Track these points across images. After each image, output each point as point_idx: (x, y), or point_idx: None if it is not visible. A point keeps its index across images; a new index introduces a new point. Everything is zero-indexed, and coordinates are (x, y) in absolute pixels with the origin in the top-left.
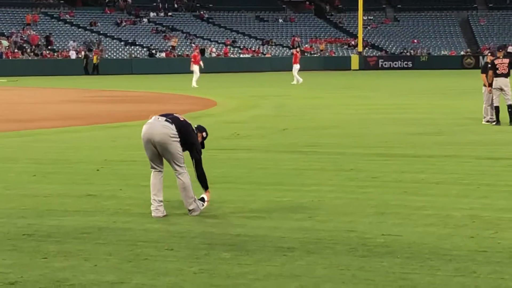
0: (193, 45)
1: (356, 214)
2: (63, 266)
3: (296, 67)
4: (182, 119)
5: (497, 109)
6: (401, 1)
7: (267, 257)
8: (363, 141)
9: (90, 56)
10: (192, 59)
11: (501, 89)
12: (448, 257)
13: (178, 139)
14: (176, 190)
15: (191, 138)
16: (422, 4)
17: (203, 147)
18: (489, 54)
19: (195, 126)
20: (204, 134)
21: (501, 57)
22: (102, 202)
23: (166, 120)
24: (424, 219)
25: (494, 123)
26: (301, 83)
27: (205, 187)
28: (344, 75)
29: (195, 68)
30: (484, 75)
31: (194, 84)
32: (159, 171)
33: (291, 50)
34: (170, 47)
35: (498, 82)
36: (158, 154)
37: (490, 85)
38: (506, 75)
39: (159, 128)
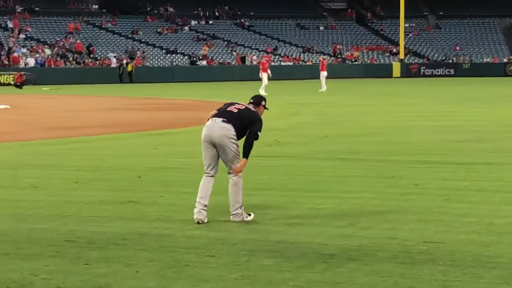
0: (234, 53)
1: (398, 221)
2: (104, 272)
3: (324, 74)
4: (236, 110)
5: None
6: (443, 8)
7: (308, 264)
8: (404, 148)
9: (124, 64)
10: (261, 67)
11: None
12: (491, 264)
13: (236, 141)
14: (220, 197)
15: (252, 118)
16: (464, 11)
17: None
18: None
19: (251, 100)
20: (263, 102)
21: None
22: (143, 209)
23: (223, 121)
24: (466, 226)
25: None
26: (325, 91)
27: (245, 155)
28: (385, 83)
29: (264, 75)
30: None
31: (262, 91)
32: (211, 176)
33: (319, 58)
34: (201, 56)
35: None
36: (217, 156)
37: None
38: None
39: (218, 130)
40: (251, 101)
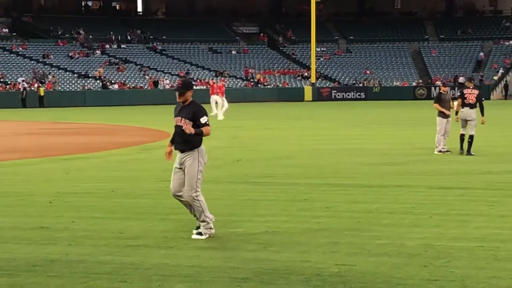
0: (146, 77)
1: (310, 244)
2: None
3: (214, 98)
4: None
5: (462, 137)
6: (353, 32)
7: None
8: (316, 172)
9: (28, 89)
10: (218, 90)
11: (466, 120)
12: (401, 286)
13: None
14: (134, 221)
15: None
16: (374, 35)
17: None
18: (442, 85)
19: (181, 91)
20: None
21: (471, 87)
22: (55, 235)
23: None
24: (377, 248)
25: (447, 152)
26: (213, 115)
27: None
28: (297, 106)
29: (222, 99)
30: (437, 104)
31: (220, 116)
32: None
33: (210, 81)
34: (97, 77)
35: (464, 112)
36: None
37: (457, 113)
38: (472, 106)
39: None
40: (182, 91)
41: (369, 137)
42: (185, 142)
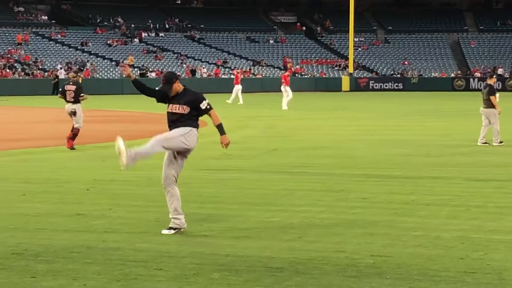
0: (183, 65)
1: (346, 235)
2: (51, 285)
3: (238, 87)
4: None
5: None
6: (392, 23)
7: (256, 277)
8: (353, 162)
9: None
10: (282, 80)
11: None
12: (437, 278)
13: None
14: (164, 210)
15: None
16: (412, 26)
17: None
18: (490, 76)
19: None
20: (174, 80)
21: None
22: (92, 222)
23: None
24: (413, 240)
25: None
26: (233, 103)
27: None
28: (334, 96)
29: (287, 89)
30: (494, 97)
31: (284, 106)
32: None
33: (233, 71)
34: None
35: None
36: None
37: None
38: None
39: None
40: (168, 87)
41: (407, 128)
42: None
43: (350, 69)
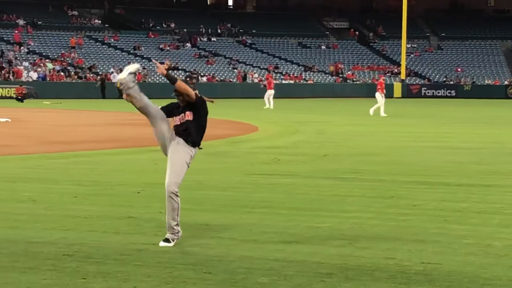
0: (235, 70)
1: (396, 242)
2: (102, 287)
3: (270, 92)
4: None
5: None
6: (445, 29)
7: (306, 283)
8: (404, 169)
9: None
10: (378, 86)
11: None
12: (488, 286)
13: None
14: (217, 214)
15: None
16: (466, 32)
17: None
18: None
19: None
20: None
21: None
22: (142, 224)
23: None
24: (464, 248)
25: None
26: (270, 108)
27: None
28: (386, 103)
29: (378, 95)
30: None
31: (382, 113)
32: None
33: (266, 75)
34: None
35: None
36: None
37: None
38: None
39: None
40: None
41: (459, 136)
42: (185, 135)
43: (402, 76)
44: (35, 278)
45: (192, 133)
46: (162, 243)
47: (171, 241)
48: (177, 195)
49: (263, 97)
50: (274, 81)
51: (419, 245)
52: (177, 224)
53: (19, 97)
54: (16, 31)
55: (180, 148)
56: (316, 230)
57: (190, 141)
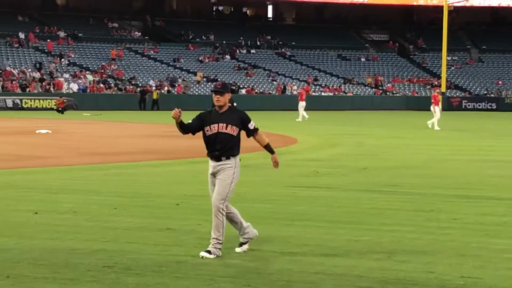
0: (274, 82)
1: (436, 255)
2: None
3: (302, 104)
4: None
5: None
6: (486, 42)
7: None
8: (444, 182)
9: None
10: (432, 100)
11: None
12: None
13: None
14: (259, 226)
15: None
16: (507, 45)
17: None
18: None
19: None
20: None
21: None
22: (181, 237)
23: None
24: (505, 262)
25: None
26: (304, 120)
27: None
28: (426, 115)
29: (436, 109)
30: None
31: (436, 126)
32: None
33: (300, 88)
34: (195, 82)
35: None
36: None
37: None
38: None
39: None
40: (222, 90)
41: (500, 149)
42: (227, 149)
43: (443, 88)
44: None
45: None
46: (203, 253)
47: (212, 253)
48: (223, 212)
49: (305, 109)
50: (312, 93)
51: (459, 259)
52: (220, 241)
53: (60, 109)
54: (48, 41)
55: None
56: (355, 243)
57: None
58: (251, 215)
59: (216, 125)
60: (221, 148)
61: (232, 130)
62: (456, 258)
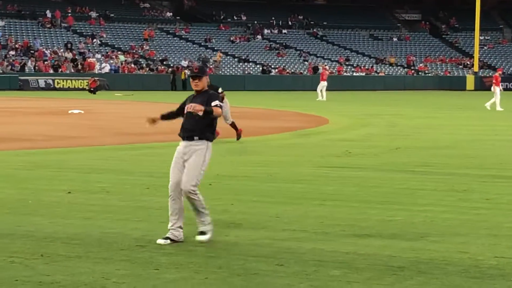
0: (306, 62)
1: (469, 236)
2: (174, 277)
3: (323, 84)
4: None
5: None
6: None
7: (377, 276)
8: (477, 162)
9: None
10: (494, 80)
11: None
12: None
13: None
14: (291, 206)
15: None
16: None
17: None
18: None
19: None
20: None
21: None
22: (214, 216)
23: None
24: None
25: None
26: (323, 100)
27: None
28: (459, 95)
29: (496, 89)
30: None
31: (498, 107)
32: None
33: (320, 66)
34: (213, 62)
35: None
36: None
37: None
38: None
39: None
40: (199, 75)
41: None
42: (197, 130)
43: (475, 68)
44: (109, 268)
45: None
46: (200, 237)
47: (207, 233)
48: (195, 193)
49: (334, 90)
50: (344, 73)
51: (493, 239)
52: (207, 215)
53: (91, 89)
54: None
55: None
56: (387, 224)
57: None
58: (283, 195)
59: (187, 105)
60: (191, 129)
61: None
62: (489, 238)
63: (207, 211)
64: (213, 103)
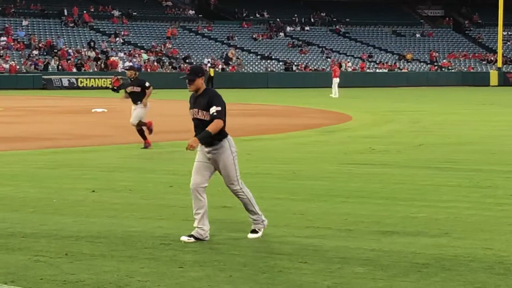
0: (328, 59)
1: (493, 232)
2: (199, 275)
3: (336, 80)
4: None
5: None
6: None
7: (402, 273)
8: (501, 158)
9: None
10: None
11: None
12: None
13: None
14: (314, 203)
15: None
16: None
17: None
18: None
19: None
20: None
21: None
22: (237, 214)
23: None
24: None
25: None
26: (336, 97)
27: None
28: (482, 91)
29: None
30: None
31: None
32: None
33: (332, 63)
34: (229, 59)
35: None
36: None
37: None
38: None
39: None
40: (191, 77)
41: None
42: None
43: (499, 64)
44: (133, 267)
45: None
46: (251, 235)
47: (258, 231)
48: (242, 190)
49: (360, 86)
50: (367, 70)
51: None
52: (258, 214)
53: (114, 88)
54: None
55: None
56: (411, 220)
57: None
58: (306, 192)
59: (192, 110)
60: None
61: (203, 115)
62: None
63: (257, 210)
64: (211, 109)
